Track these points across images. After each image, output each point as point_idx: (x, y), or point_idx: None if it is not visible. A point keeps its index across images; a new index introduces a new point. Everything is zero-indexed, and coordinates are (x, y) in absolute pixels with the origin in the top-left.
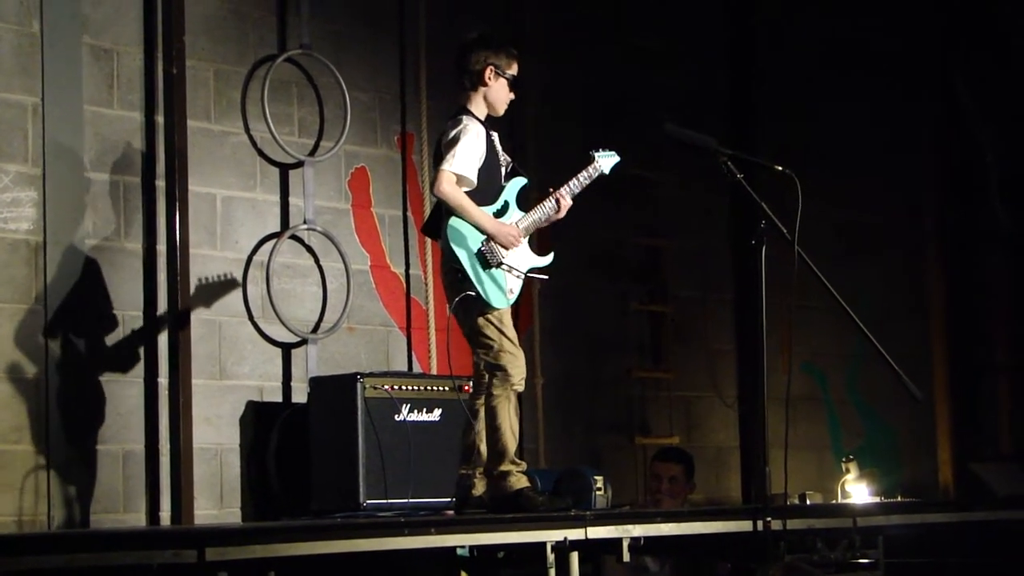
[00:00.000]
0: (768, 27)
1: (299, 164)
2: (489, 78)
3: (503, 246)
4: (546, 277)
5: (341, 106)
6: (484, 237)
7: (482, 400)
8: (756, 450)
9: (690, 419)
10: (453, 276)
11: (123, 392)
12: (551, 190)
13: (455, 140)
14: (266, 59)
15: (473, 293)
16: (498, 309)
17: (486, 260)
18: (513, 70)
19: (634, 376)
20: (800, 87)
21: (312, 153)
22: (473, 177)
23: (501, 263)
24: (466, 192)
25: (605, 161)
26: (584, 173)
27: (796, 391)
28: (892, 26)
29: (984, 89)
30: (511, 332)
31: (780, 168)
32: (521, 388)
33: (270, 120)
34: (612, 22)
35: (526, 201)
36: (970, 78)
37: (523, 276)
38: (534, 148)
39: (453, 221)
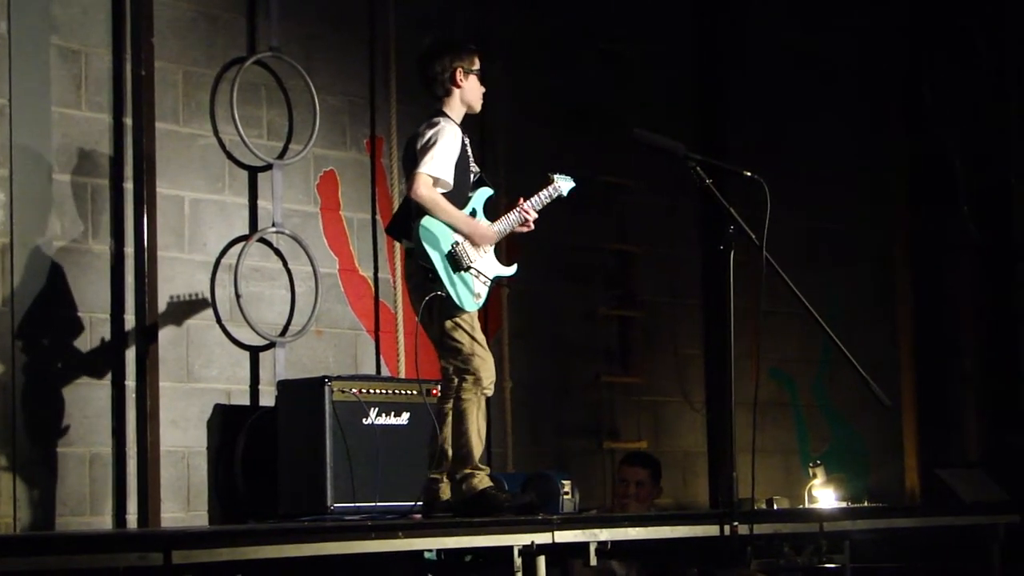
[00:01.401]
0: (736, 34)
1: (268, 167)
2: (460, 80)
3: (477, 244)
4: (508, 286)
5: (310, 109)
6: (455, 239)
7: (450, 404)
8: (723, 455)
9: (658, 423)
10: (422, 276)
11: (90, 395)
12: (520, 201)
13: (432, 142)
14: (235, 61)
15: (443, 294)
16: (467, 312)
17: (457, 262)
18: (478, 64)
19: (602, 380)
20: (768, 94)
21: (281, 156)
22: (450, 179)
23: (471, 266)
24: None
25: (563, 184)
26: (544, 192)
27: (764, 396)
28: (859, 33)
29: (951, 96)
30: (480, 336)
31: (748, 173)
32: (491, 392)
33: (239, 123)
34: (580, 27)
35: (492, 211)
36: (937, 85)
37: (489, 283)
38: (503, 152)
39: (426, 221)
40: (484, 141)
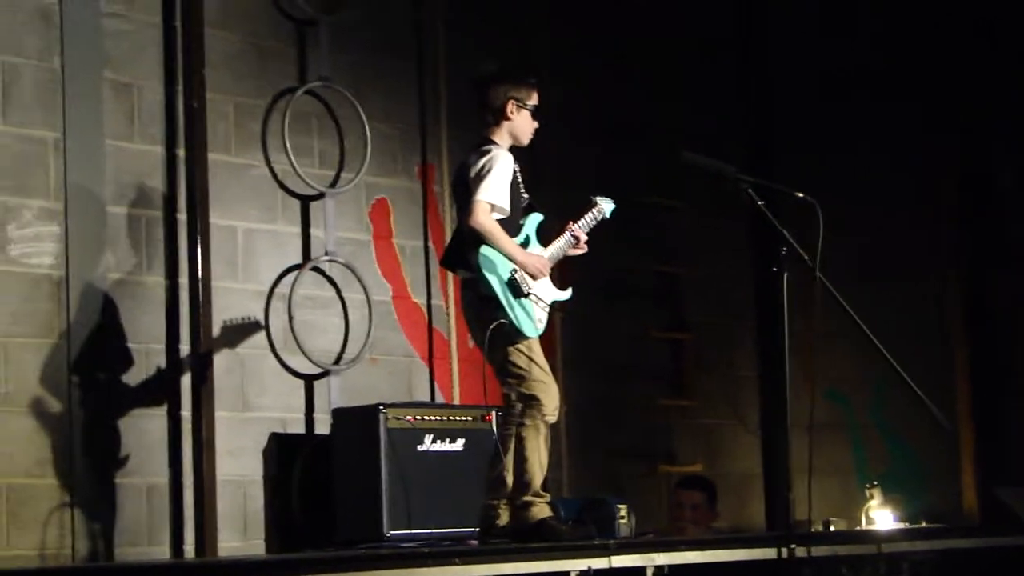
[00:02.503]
0: (785, 52)
1: (320, 196)
2: (511, 112)
3: (532, 276)
4: (567, 312)
5: (361, 137)
6: (513, 267)
7: (512, 431)
8: (780, 477)
9: (713, 446)
10: (484, 305)
11: (146, 426)
12: (568, 226)
13: (487, 169)
14: (286, 91)
15: (507, 322)
16: (528, 338)
17: (517, 289)
18: (534, 100)
19: (656, 404)
20: (818, 111)
21: (333, 185)
22: (507, 205)
23: (530, 293)
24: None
25: (606, 205)
26: (589, 215)
27: (820, 417)
28: (911, 47)
29: (1002, 109)
30: (542, 361)
31: (801, 195)
32: (554, 419)
33: (290, 152)
34: (629, 46)
35: (543, 236)
36: (988, 100)
37: (548, 308)
38: (549, 173)
39: (484, 250)
40: (534, 161)
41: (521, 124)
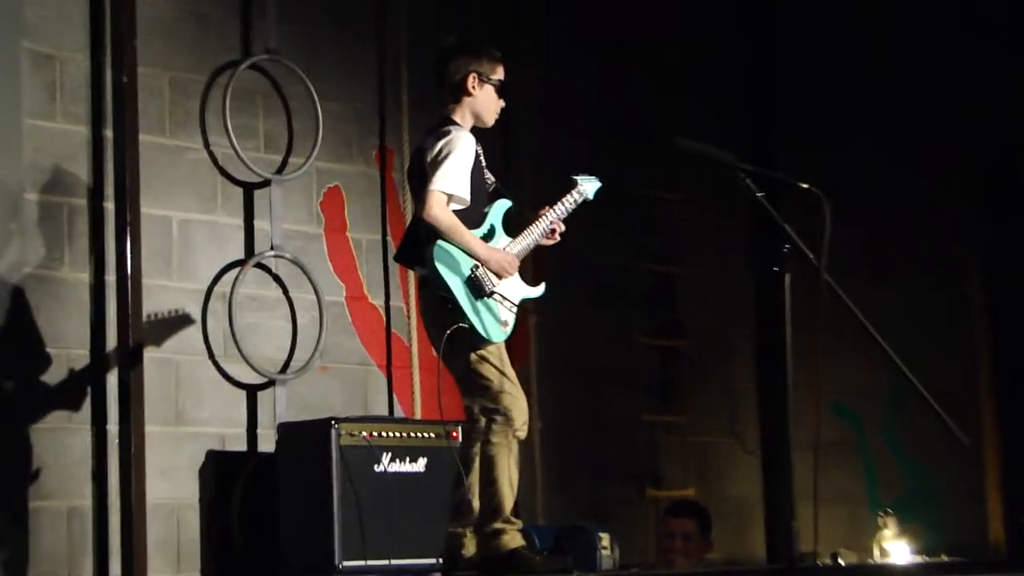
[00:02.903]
0: (790, 31)
1: (265, 183)
2: (473, 87)
3: (496, 274)
4: (540, 313)
5: (312, 118)
6: (474, 263)
7: (477, 448)
8: (782, 503)
9: (706, 468)
10: (440, 307)
11: (67, 441)
12: (541, 211)
13: (444, 154)
14: (228, 65)
15: (466, 325)
16: (493, 343)
17: (478, 288)
18: (499, 74)
19: (643, 419)
20: (824, 98)
21: (280, 171)
22: (466, 195)
23: (493, 291)
24: (455, 212)
25: (588, 185)
26: (568, 198)
27: (826, 436)
28: (922, 33)
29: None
30: (510, 370)
31: (805, 185)
32: (524, 434)
33: (232, 134)
34: (619, 29)
35: (512, 226)
36: (1006, 90)
37: (515, 308)
38: (529, 167)
39: (440, 244)
40: (508, 152)
41: (484, 101)
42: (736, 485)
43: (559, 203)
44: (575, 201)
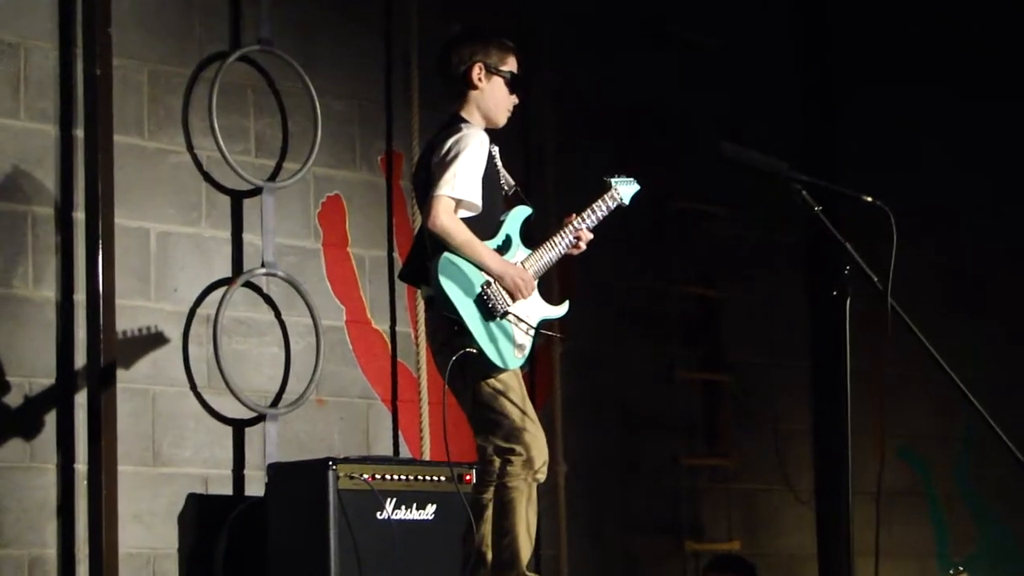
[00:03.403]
0: (850, 22)
1: (256, 191)
2: (479, 79)
3: (510, 293)
4: (558, 335)
5: (310, 118)
6: (486, 279)
7: (490, 494)
8: (839, 559)
9: (753, 518)
10: (447, 330)
11: (29, 482)
12: (567, 219)
13: (452, 155)
14: (215, 57)
15: (475, 350)
16: (507, 371)
17: (490, 308)
18: (509, 65)
19: (682, 463)
20: (892, 99)
21: (273, 177)
22: (477, 201)
23: (507, 312)
24: (464, 220)
25: (624, 189)
26: (600, 203)
27: (891, 483)
28: (1002, 24)
29: None
30: (527, 403)
31: (870, 199)
32: (543, 477)
33: (219, 135)
34: (653, 17)
35: (531, 237)
36: None
37: (533, 331)
38: (553, 174)
39: (447, 257)
40: (529, 158)
41: (493, 95)
42: (787, 538)
43: (589, 209)
44: (608, 207)
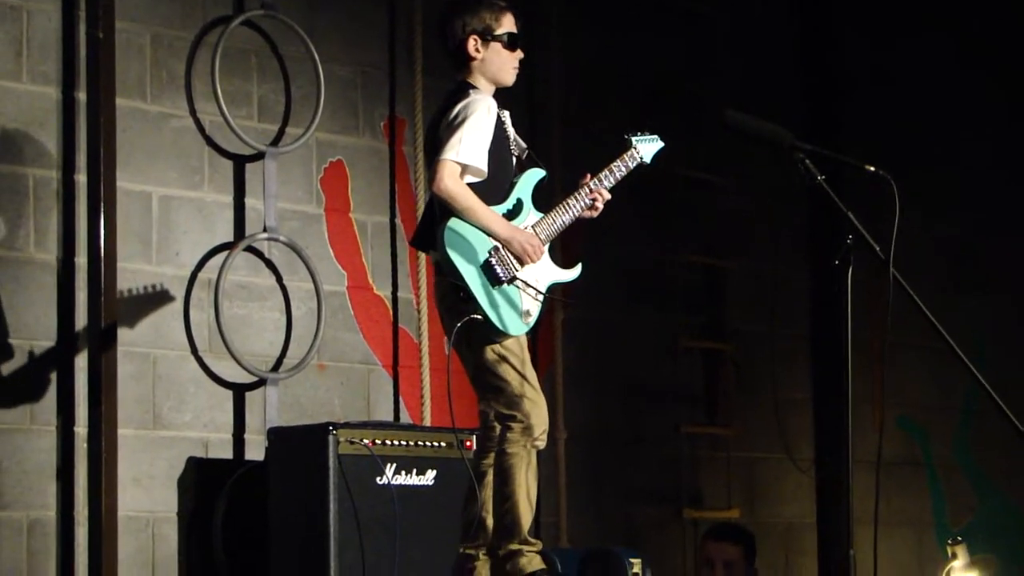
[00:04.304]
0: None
1: (259, 156)
2: (476, 49)
3: (518, 258)
4: (570, 301)
5: (313, 83)
6: (493, 244)
7: (491, 459)
8: (838, 528)
9: (753, 487)
10: (453, 296)
11: (29, 444)
12: (583, 180)
13: (459, 120)
14: (218, 21)
15: (480, 317)
16: (512, 337)
17: (496, 274)
18: (506, 26)
19: (683, 432)
20: (899, 65)
21: (275, 142)
22: (483, 166)
23: (515, 278)
24: (471, 186)
25: (645, 147)
26: (620, 163)
27: (890, 453)
28: None
29: None
30: (530, 371)
31: (873, 168)
32: (543, 444)
33: (222, 100)
34: None
35: (543, 200)
36: None
37: (542, 296)
38: (559, 140)
39: (453, 223)
40: (535, 124)
41: (494, 61)
42: (786, 507)
43: (607, 169)
44: (628, 167)
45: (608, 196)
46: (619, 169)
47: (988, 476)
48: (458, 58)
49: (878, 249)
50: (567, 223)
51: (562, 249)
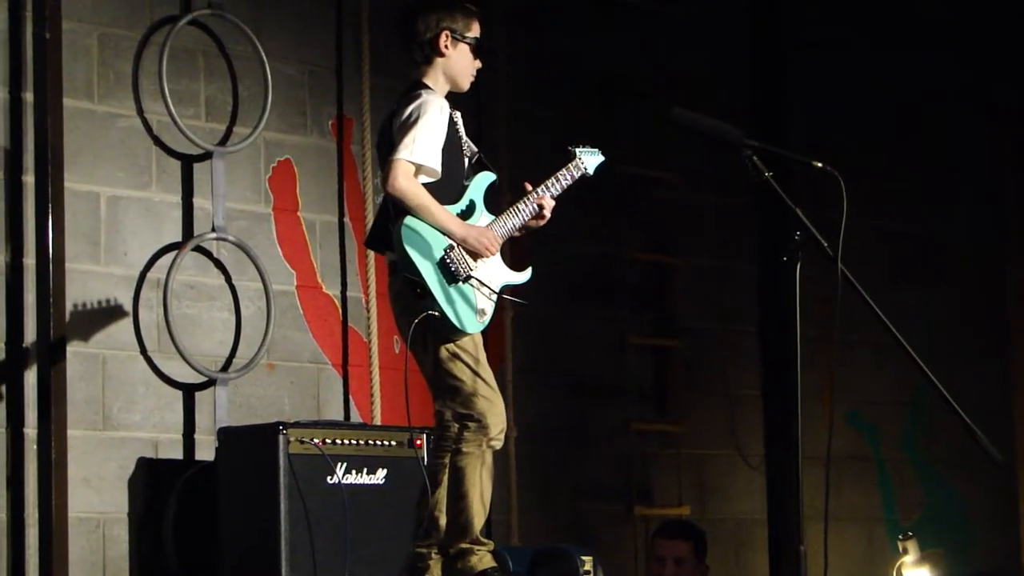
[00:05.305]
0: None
1: (207, 156)
2: (446, 46)
3: (475, 254)
4: (524, 302)
5: (261, 82)
6: (448, 243)
7: (445, 459)
8: (788, 524)
9: (704, 484)
10: (409, 294)
11: None
12: (528, 187)
13: (412, 120)
14: (165, 21)
15: (437, 313)
16: (468, 335)
17: (452, 272)
18: (474, 31)
19: (632, 428)
20: (842, 62)
21: (223, 142)
22: (437, 166)
23: (470, 276)
24: (425, 186)
25: (589, 160)
26: (564, 173)
27: (840, 449)
28: None
29: None
30: (486, 370)
31: (820, 165)
32: (500, 444)
33: (169, 99)
34: None
35: (494, 202)
36: None
37: (495, 296)
38: (505, 138)
39: (409, 221)
40: (481, 122)
41: (459, 61)
42: (736, 503)
43: (553, 178)
44: (572, 177)
45: (553, 204)
46: (564, 178)
47: (936, 471)
48: (425, 51)
49: (826, 245)
50: (517, 226)
51: (511, 251)
